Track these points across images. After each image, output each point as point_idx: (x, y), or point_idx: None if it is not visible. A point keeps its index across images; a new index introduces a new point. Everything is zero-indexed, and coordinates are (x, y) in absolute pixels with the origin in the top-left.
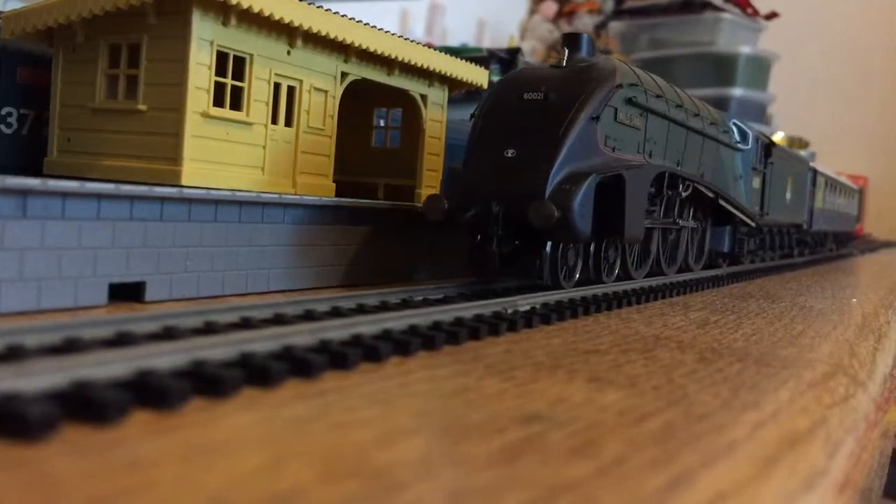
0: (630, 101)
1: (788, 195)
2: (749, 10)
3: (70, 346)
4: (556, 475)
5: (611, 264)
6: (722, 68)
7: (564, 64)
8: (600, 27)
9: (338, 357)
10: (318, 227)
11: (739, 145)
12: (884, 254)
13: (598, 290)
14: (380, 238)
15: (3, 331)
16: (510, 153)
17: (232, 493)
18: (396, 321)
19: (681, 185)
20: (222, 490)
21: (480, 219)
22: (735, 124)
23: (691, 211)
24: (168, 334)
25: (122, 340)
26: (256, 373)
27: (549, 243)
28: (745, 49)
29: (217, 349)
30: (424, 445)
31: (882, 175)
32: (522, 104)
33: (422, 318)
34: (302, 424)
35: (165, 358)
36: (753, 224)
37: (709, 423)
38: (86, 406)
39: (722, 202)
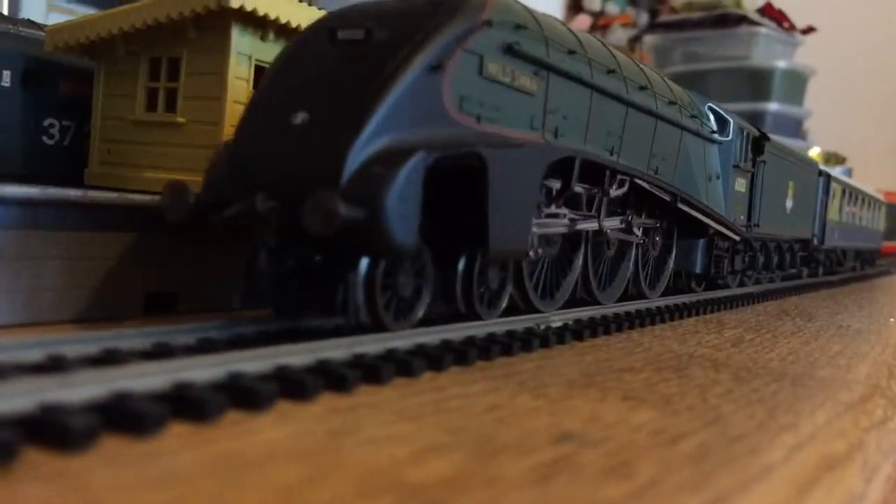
0: (511, 51)
1: (789, 203)
2: (786, 25)
3: (109, 358)
4: (590, 496)
5: (494, 292)
6: (757, 83)
7: None
8: (634, 41)
9: (371, 371)
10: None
11: (715, 136)
12: None
13: (630, 306)
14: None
15: (46, 341)
16: (299, 119)
17: None
18: (429, 336)
19: (608, 181)
20: None
21: (245, 220)
22: (711, 109)
23: (641, 218)
24: (204, 347)
25: (159, 352)
26: (291, 386)
27: (366, 260)
28: (781, 63)
29: (253, 362)
30: (458, 463)
31: None
32: (333, 48)
33: (454, 333)
34: (336, 439)
35: (202, 370)
36: (737, 238)
37: (744, 444)
38: (125, 418)
39: (683, 206)
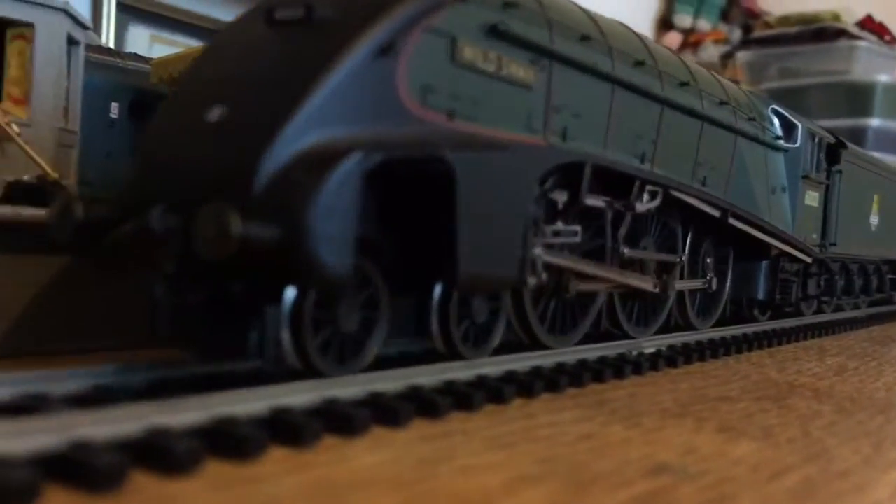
0: (496, 32)
1: (875, 219)
2: (887, 38)
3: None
4: None
5: (480, 327)
6: (858, 98)
7: None
8: (727, 57)
9: (463, 398)
10: None
11: (780, 142)
12: None
13: (725, 332)
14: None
15: (149, 366)
16: (216, 115)
17: None
18: (520, 363)
19: (637, 192)
20: None
21: (138, 240)
22: (776, 111)
23: (687, 238)
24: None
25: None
26: (384, 412)
27: (294, 290)
28: (883, 77)
29: (346, 388)
30: (551, 494)
31: None
32: (269, 30)
33: (545, 359)
34: (430, 466)
35: (299, 396)
36: (808, 259)
37: (850, 481)
38: (228, 442)
39: (736, 223)
